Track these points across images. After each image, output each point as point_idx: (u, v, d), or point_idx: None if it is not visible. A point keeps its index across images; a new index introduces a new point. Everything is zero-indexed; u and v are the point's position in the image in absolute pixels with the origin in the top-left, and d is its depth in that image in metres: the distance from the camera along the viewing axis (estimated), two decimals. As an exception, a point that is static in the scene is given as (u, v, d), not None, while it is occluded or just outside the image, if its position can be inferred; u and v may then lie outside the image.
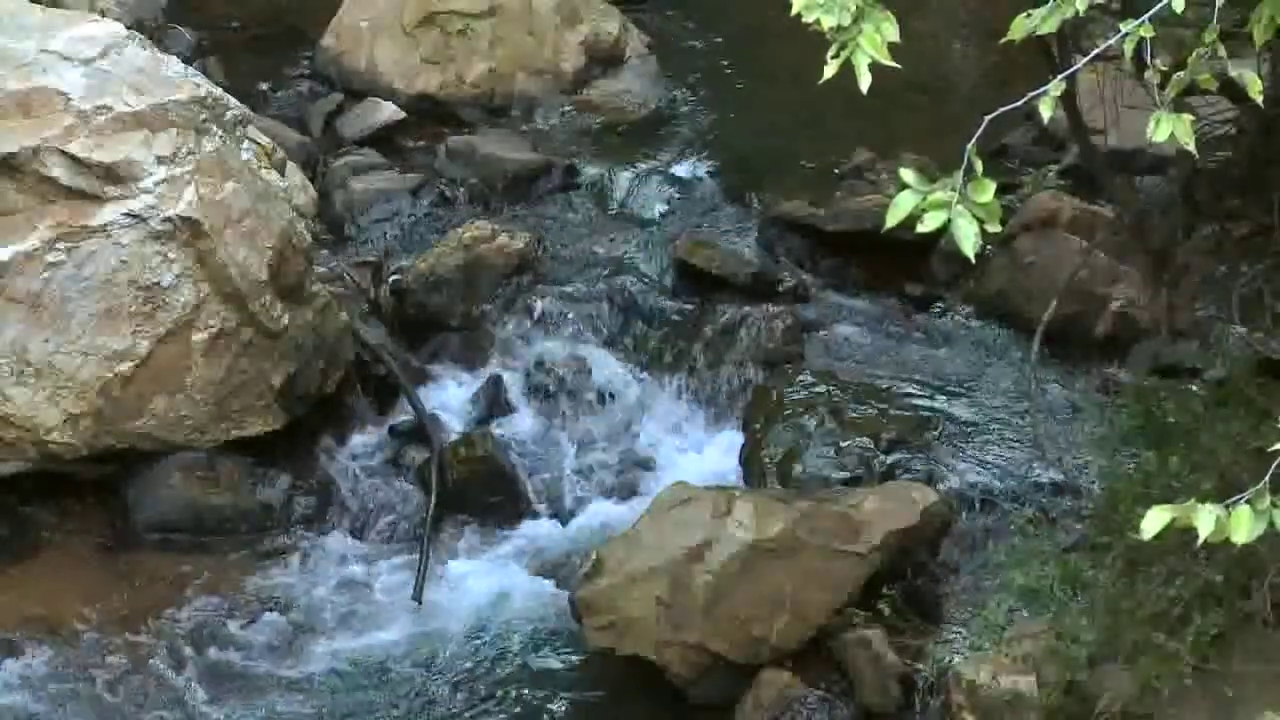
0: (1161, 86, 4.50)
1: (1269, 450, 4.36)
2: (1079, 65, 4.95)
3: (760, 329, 10.40)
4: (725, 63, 13.25)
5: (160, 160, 9.29)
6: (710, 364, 10.34)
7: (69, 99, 9.28)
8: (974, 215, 4.29)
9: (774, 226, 11.30)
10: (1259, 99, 4.59)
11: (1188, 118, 4.47)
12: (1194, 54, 4.56)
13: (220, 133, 9.56)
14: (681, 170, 11.93)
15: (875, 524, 8.65)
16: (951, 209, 4.27)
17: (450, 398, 10.36)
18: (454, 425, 10.14)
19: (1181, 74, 4.59)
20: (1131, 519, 5.89)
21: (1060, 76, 4.49)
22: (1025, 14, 4.56)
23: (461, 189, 11.59)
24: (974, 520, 9.19)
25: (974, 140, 4.32)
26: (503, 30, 12.80)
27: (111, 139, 9.26)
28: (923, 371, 10.29)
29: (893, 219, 4.33)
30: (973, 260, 4.35)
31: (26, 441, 9.38)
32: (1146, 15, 4.42)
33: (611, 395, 10.32)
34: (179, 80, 9.58)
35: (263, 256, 9.54)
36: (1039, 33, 4.59)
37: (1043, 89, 4.47)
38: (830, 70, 4.45)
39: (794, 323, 10.49)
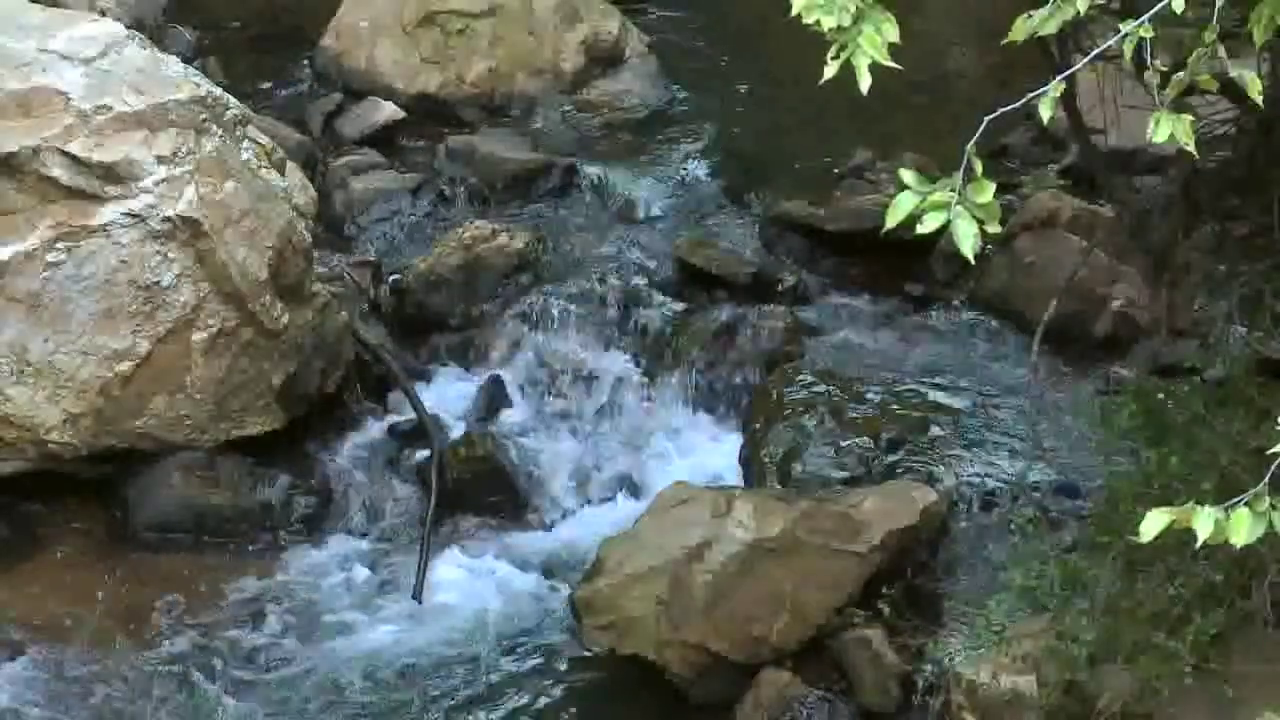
0: (1161, 86, 4.50)
1: (1269, 451, 4.36)
2: (1079, 65, 4.95)
3: (760, 329, 10.40)
4: (725, 63, 13.25)
5: (160, 160, 9.28)
6: (710, 364, 10.34)
7: (69, 99, 9.28)
8: (973, 216, 4.29)
9: (774, 226, 11.31)
10: (1259, 99, 4.58)
11: (1188, 118, 4.46)
12: (1194, 54, 4.56)
13: (220, 132, 9.56)
14: (681, 170, 11.94)
15: (875, 524, 8.65)
16: (951, 210, 4.28)
17: (450, 398, 10.36)
18: (454, 425, 10.14)
19: (1181, 74, 4.59)
20: (1131, 519, 5.88)
21: (1060, 77, 4.49)
22: (1026, 15, 4.56)
23: (461, 189, 11.60)
24: (974, 520, 9.19)
25: (974, 140, 4.32)
26: (503, 30, 12.81)
27: (111, 139, 9.26)
28: (923, 372, 10.30)
29: (892, 219, 4.34)
30: (972, 260, 4.34)
31: (26, 441, 9.38)
32: (1146, 15, 4.42)
33: (611, 395, 10.32)
34: (179, 80, 9.58)
35: (263, 256, 9.54)
36: (1040, 33, 4.59)
37: (1043, 89, 4.47)
38: (830, 71, 4.45)
39: (794, 323, 10.49)
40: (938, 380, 10.24)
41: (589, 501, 9.91)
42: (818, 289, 10.97)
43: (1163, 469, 7.38)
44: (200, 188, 9.35)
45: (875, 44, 4.40)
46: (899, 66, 4.44)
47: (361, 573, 9.46)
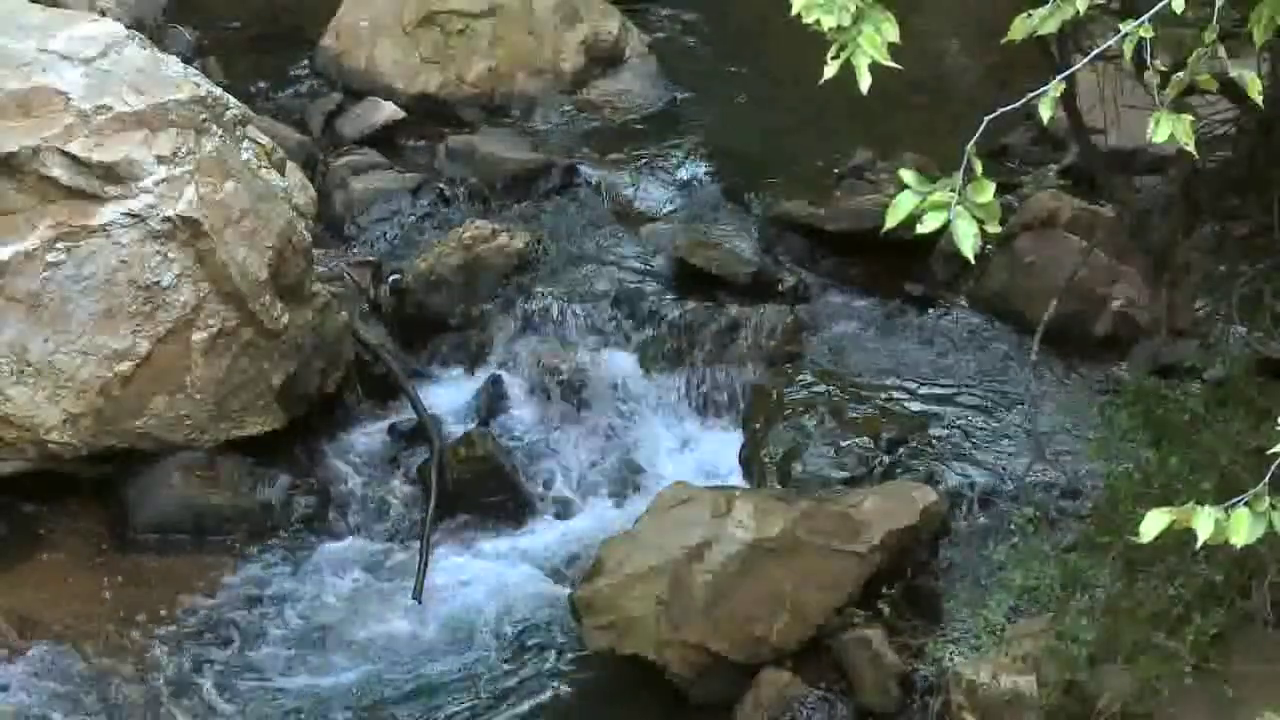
0: (1161, 86, 4.50)
1: (1269, 451, 4.36)
2: (1079, 65, 4.95)
3: (760, 329, 10.40)
4: (725, 63, 13.25)
5: (160, 160, 9.28)
6: (710, 364, 10.34)
7: (69, 99, 9.27)
8: (973, 216, 4.29)
9: (774, 226, 11.31)
10: (1259, 99, 4.58)
11: (1188, 118, 4.46)
12: (1194, 54, 4.56)
13: (220, 132, 9.56)
14: (681, 170, 11.95)
15: (875, 524, 8.65)
16: (951, 210, 4.27)
17: (450, 398, 10.37)
18: (454, 425, 10.14)
19: (1181, 74, 4.59)
20: (1131, 519, 5.88)
21: (1060, 76, 4.49)
22: (1025, 14, 4.56)
23: (461, 189, 11.60)
24: (974, 520, 9.20)
25: (974, 140, 4.32)
26: (503, 30, 12.81)
27: (111, 139, 9.26)
28: (923, 371, 10.30)
29: (892, 219, 4.33)
30: (972, 260, 4.34)
31: (26, 441, 9.38)
32: (1146, 15, 4.41)
33: (611, 395, 10.32)
34: (179, 80, 9.58)
35: (263, 256, 9.54)
36: (1039, 33, 4.59)
37: (1043, 89, 4.47)
38: (830, 70, 4.45)
39: (794, 323, 10.49)
40: (938, 380, 10.24)
41: (588, 501, 9.91)
42: (818, 289, 10.97)
43: (1163, 469, 7.38)
44: (200, 188, 9.35)
45: (875, 44, 4.39)
46: (899, 66, 4.43)
47: (361, 572, 9.46)
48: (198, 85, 9.63)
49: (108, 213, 9.23)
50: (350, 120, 12.32)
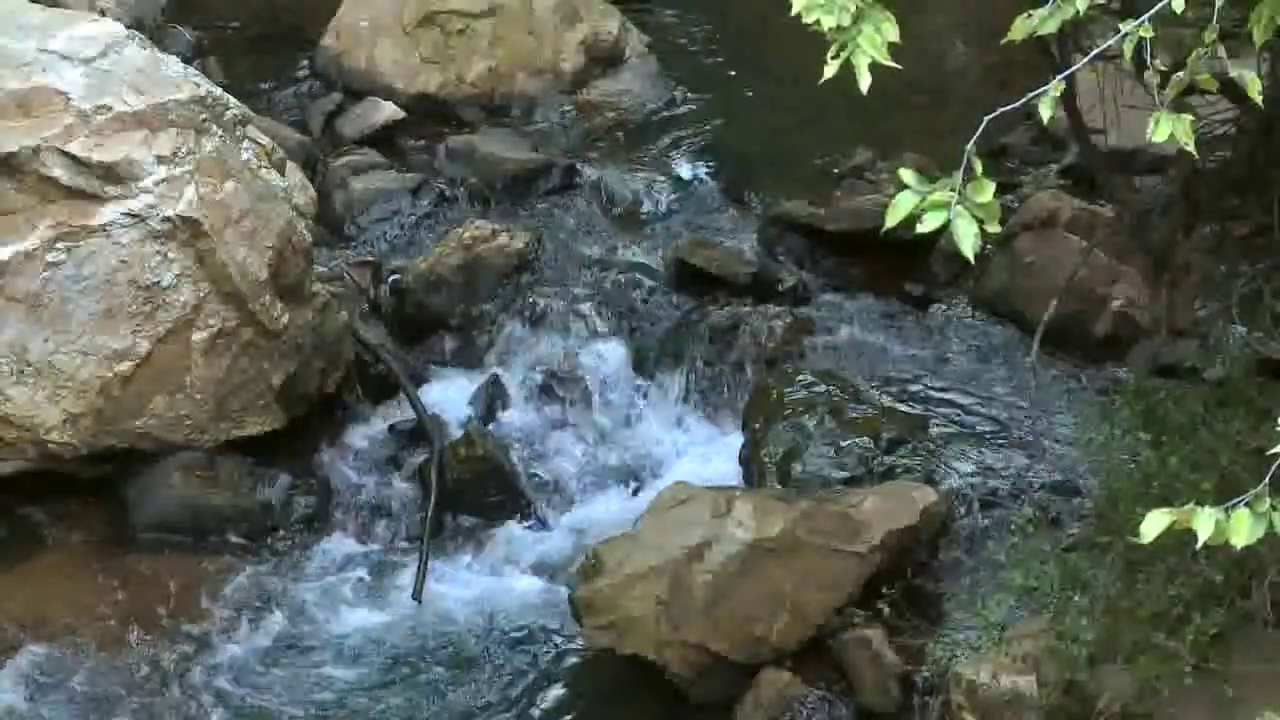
0: (1161, 86, 4.50)
1: (1269, 451, 4.36)
2: (1079, 65, 4.95)
3: (760, 329, 10.40)
4: (725, 63, 13.25)
5: (160, 160, 9.28)
6: (710, 364, 10.34)
7: (69, 99, 9.27)
8: (973, 215, 4.29)
9: (774, 226, 11.31)
10: (1259, 99, 4.58)
11: (1188, 118, 4.46)
12: (1194, 54, 4.56)
13: (220, 132, 9.56)
14: (681, 170, 11.94)
15: (875, 524, 8.65)
16: (951, 209, 4.27)
17: (450, 398, 10.36)
18: (454, 425, 10.14)
19: (1181, 74, 4.59)
20: (1131, 519, 5.88)
21: (1060, 76, 4.49)
22: (1026, 14, 4.56)
23: (461, 189, 11.60)
24: (974, 520, 9.19)
25: (974, 140, 4.32)
26: (503, 30, 12.81)
27: (111, 139, 9.26)
28: (923, 371, 10.30)
29: (892, 219, 4.33)
30: (972, 260, 4.34)
31: (26, 441, 9.38)
32: (1146, 15, 4.42)
33: (611, 395, 10.32)
34: (179, 80, 9.58)
35: (263, 256, 9.54)
36: (1039, 33, 4.59)
37: (1043, 89, 4.47)
38: (830, 70, 4.45)
39: (794, 323, 10.49)
40: (938, 380, 10.24)
41: (588, 501, 9.90)
42: (818, 289, 10.96)
43: (1163, 469, 7.38)
44: (200, 188, 9.35)
45: (875, 44, 4.40)
46: (899, 66, 4.44)
47: (361, 573, 9.46)
48: (198, 85, 9.63)
49: (108, 213, 9.23)
50: (350, 120, 12.32)
